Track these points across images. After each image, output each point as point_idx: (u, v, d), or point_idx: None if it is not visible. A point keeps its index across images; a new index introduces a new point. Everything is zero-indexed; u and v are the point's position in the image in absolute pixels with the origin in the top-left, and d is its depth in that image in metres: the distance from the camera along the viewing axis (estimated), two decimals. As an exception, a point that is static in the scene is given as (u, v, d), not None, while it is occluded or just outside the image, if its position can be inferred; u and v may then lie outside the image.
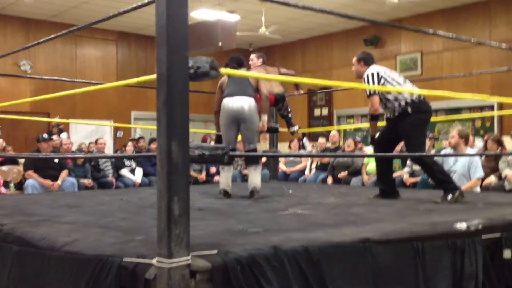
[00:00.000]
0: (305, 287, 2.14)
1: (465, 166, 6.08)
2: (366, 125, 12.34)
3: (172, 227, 1.86)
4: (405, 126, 4.46)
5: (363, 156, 8.35)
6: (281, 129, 6.01)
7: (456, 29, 10.89)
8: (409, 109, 4.46)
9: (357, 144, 9.05)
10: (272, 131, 5.89)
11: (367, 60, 4.72)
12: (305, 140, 12.94)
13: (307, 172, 9.41)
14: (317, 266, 2.19)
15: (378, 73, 4.53)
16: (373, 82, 4.51)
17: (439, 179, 4.42)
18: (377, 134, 4.77)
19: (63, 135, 9.84)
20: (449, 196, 4.24)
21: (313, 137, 12.99)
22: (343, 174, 8.48)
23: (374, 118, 4.62)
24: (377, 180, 5.06)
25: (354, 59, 4.80)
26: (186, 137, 1.93)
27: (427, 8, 11.31)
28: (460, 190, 4.33)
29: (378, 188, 4.80)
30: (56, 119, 9.78)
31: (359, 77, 4.75)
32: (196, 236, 2.26)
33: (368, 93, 4.54)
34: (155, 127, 2.04)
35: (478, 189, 6.27)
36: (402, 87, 4.52)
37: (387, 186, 4.73)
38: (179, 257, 1.85)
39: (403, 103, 4.48)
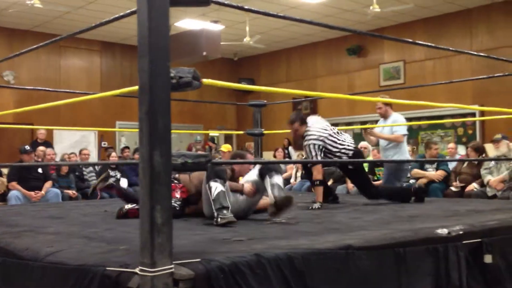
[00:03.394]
0: (288, 294, 2.15)
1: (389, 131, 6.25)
2: (348, 128, 12.43)
3: (155, 236, 1.86)
4: (350, 176, 5.34)
5: (349, 162, 8.38)
6: None
7: (437, 38, 11.04)
8: (349, 166, 5.06)
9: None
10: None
11: (302, 119, 4.95)
12: (291, 148, 12.99)
13: (292, 180, 9.44)
14: (300, 273, 2.20)
15: (317, 142, 4.80)
16: (316, 152, 4.78)
17: (398, 195, 5.14)
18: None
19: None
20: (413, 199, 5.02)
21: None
22: (328, 183, 8.51)
23: (321, 183, 4.86)
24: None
25: (290, 124, 4.93)
26: (169, 146, 1.95)
27: (409, 18, 11.47)
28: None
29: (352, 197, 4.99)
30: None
31: (301, 138, 4.90)
32: (179, 245, 2.27)
33: (311, 163, 4.96)
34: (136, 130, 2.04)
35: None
36: (341, 142, 4.92)
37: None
38: (162, 265, 1.86)
39: (345, 157, 4.87)
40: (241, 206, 3.77)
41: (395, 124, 6.06)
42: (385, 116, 6.12)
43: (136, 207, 3.78)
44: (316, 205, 4.60)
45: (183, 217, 3.79)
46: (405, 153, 6.06)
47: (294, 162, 9.99)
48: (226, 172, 3.63)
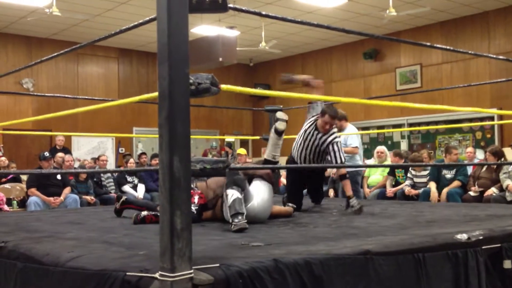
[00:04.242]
0: (307, 299, 2.15)
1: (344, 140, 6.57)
2: (364, 133, 12.35)
3: (175, 241, 1.87)
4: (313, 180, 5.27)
5: (363, 167, 8.36)
6: None
7: (454, 41, 10.97)
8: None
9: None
10: None
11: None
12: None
13: (308, 185, 9.41)
14: (319, 278, 2.20)
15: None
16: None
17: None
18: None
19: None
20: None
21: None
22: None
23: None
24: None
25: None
26: (188, 152, 1.96)
27: (426, 21, 11.40)
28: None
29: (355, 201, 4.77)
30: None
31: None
32: (198, 250, 2.28)
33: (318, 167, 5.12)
34: (154, 135, 2.07)
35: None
36: None
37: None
38: (182, 270, 1.87)
39: None
40: (258, 213, 3.82)
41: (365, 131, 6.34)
42: (340, 129, 6.60)
43: (152, 213, 3.86)
44: (355, 202, 4.51)
45: (200, 222, 3.82)
46: (358, 161, 6.76)
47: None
48: (244, 180, 3.72)
